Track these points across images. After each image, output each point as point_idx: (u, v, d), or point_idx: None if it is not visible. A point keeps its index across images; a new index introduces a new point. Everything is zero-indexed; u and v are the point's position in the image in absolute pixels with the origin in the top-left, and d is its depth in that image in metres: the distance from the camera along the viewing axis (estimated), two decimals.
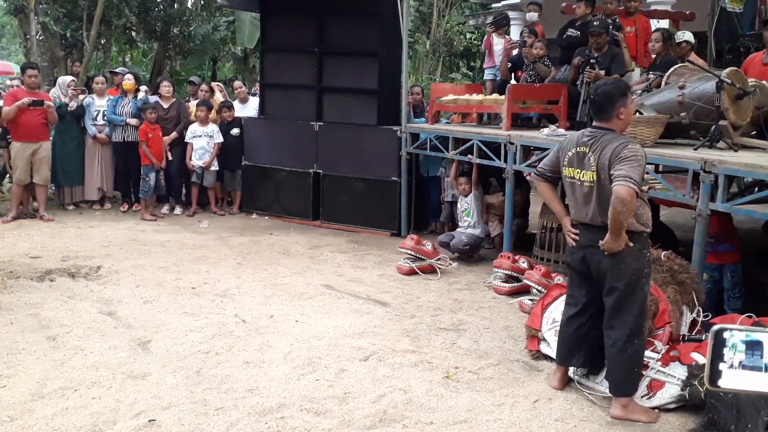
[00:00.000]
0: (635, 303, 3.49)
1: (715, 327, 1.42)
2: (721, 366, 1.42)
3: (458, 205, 6.88)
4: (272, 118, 8.53)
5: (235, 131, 8.61)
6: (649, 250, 3.57)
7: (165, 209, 8.59)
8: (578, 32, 7.04)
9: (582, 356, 3.75)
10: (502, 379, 3.95)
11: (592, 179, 3.47)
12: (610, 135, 3.45)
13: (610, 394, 3.62)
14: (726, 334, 1.41)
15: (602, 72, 6.17)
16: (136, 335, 4.45)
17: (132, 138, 8.34)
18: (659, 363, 3.74)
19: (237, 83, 9.59)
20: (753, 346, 1.41)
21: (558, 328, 3.99)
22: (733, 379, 1.41)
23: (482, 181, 6.89)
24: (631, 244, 3.42)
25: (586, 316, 3.70)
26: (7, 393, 3.56)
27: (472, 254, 6.67)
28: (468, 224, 6.69)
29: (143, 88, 8.87)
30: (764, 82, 5.23)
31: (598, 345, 3.65)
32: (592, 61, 6.31)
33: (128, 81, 8.60)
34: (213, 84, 9.74)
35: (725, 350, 1.41)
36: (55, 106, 7.90)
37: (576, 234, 3.64)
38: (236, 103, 9.14)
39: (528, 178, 7.96)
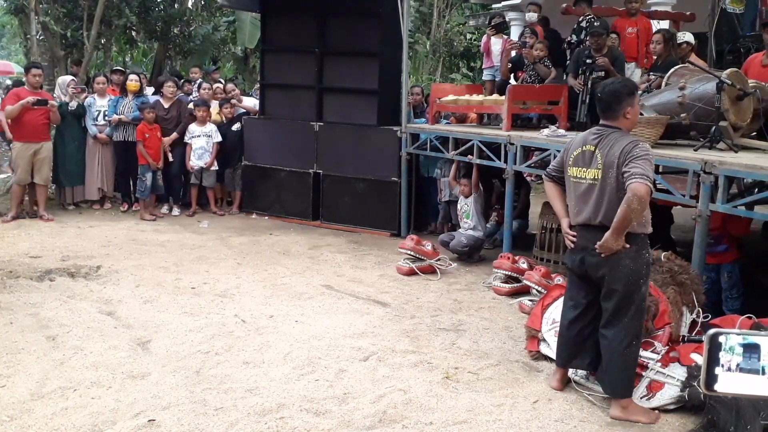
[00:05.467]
0: (633, 304, 3.48)
1: (711, 331, 1.42)
2: (717, 370, 1.41)
3: (458, 206, 6.88)
4: (272, 118, 8.53)
5: (236, 126, 8.65)
6: (647, 251, 3.56)
7: (164, 209, 8.58)
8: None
9: (587, 358, 3.74)
10: (502, 380, 3.95)
11: (595, 177, 3.47)
12: (617, 134, 3.45)
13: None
14: (721, 338, 1.41)
15: (605, 59, 6.21)
16: (135, 335, 4.45)
17: (133, 138, 8.32)
18: (659, 364, 3.73)
19: (229, 86, 9.50)
20: (750, 349, 1.40)
21: (558, 329, 3.99)
22: (729, 382, 1.41)
23: (485, 182, 6.88)
24: (628, 246, 3.41)
25: (588, 318, 3.70)
26: (7, 393, 3.56)
27: (472, 255, 6.67)
28: (468, 225, 6.69)
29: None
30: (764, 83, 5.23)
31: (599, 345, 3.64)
32: (588, 61, 6.32)
33: (132, 82, 8.59)
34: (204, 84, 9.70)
35: (721, 354, 1.41)
36: (56, 105, 7.90)
37: (573, 236, 3.64)
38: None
39: (528, 179, 7.98)
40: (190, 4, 16.49)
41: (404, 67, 7.54)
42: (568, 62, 7.14)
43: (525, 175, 7.40)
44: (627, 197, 3.27)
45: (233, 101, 8.94)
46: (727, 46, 7.82)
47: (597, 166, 3.46)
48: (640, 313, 3.54)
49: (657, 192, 4.75)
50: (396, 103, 7.67)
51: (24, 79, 8.49)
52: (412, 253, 6.16)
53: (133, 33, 15.75)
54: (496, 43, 8.65)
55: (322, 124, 8.11)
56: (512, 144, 6.10)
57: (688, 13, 7.92)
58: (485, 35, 9.28)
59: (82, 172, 8.45)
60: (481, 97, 7.40)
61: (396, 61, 7.64)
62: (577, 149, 3.59)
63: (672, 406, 3.60)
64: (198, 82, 9.94)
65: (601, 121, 3.57)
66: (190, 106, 8.71)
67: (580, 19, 7.14)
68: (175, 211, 8.58)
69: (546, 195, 4.18)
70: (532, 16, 8.14)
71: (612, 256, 3.42)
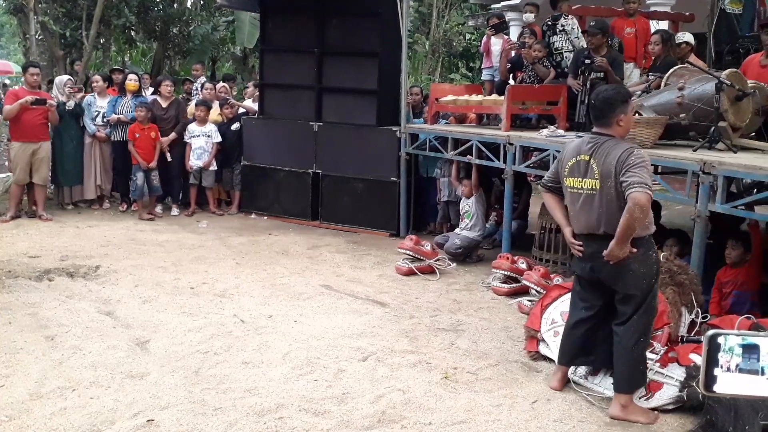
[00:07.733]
0: (645, 303, 3.50)
1: (709, 332, 1.42)
2: (716, 371, 1.41)
3: (460, 206, 6.88)
4: (272, 118, 8.53)
5: (235, 126, 8.65)
6: (654, 250, 3.56)
7: (158, 209, 8.50)
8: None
9: (590, 357, 3.75)
10: (501, 380, 3.95)
11: (593, 187, 3.46)
12: (611, 141, 3.45)
13: (608, 395, 3.63)
14: (720, 339, 1.41)
15: (604, 59, 6.21)
16: (134, 335, 4.44)
17: None
18: (658, 364, 3.74)
19: (251, 84, 9.69)
20: (750, 350, 1.40)
21: (557, 329, 3.98)
22: (728, 383, 1.41)
23: (484, 181, 6.88)
24: (635, 250, 3.42)
25: (597, 319, 3.71)
26: (6, 392, 3.55)
27: (470, 255, 6.66)
28: (466, 225, 6.69)
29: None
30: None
31: (609, 342, 3.63)
32: (587, 61, 6.32)
33: (131, 81, 8.58)
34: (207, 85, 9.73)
35: (720, 354, 1.41)
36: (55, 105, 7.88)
37: (580, 245, 3.63)
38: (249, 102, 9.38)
39: (530, 179, 7.98)
40: (189, 4, 16.50)
41: (403, 67, 7.54)
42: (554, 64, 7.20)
43: (527, 176, 7.40)
44: (628, 207, 3.27)
45: (235, 102, 8.95)
46: (726, 47, 7.83)
47: (593, 176, 3.45)
48: (650, 310, 3.55)
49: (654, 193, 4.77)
50: (395, 103, 7.66)
51: (22, 80, 8.47)
52: (411, 253, 6.16)
53: (132, 33, 15.76)
54: (496, 44, 8.65)
55: (321, 124, 8.10)
56: (511, 144, 6.10)
57: (687, 13, 7.92)
58: (485, 35, 9.28)
59: (81, 172, 8.42)
60: (480, 98, 7.40)
61: (395, 61, 7.64)
62: (572, 159, 3.58)
63: (671, 407, 3.60)
64: (201, 81, 9.95)
65: (594, 128, 3.57)
66: (191, 106, 8.70)
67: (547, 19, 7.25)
68: (174, 211, 8.56)
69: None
70: (529, 16, 8.13)
71: (621, 262, 3.43)
